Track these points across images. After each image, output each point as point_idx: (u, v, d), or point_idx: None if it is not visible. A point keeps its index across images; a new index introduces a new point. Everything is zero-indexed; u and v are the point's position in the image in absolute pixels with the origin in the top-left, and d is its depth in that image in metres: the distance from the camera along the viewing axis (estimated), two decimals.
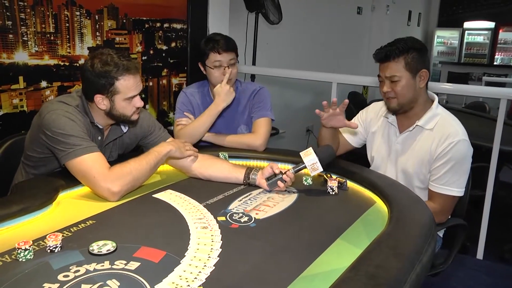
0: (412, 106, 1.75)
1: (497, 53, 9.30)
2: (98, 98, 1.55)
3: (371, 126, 1.94)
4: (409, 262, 1.09)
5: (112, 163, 1.72)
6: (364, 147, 2.03)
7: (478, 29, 9.44)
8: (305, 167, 1.58)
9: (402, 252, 1.13)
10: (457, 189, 1.71)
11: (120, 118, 1.60)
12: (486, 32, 9.35)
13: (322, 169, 1.58)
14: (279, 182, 1.59)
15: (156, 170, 1.61)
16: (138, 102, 1.59)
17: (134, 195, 1.52)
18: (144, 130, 1.77)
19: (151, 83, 2.88)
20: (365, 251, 1.13)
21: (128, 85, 1.54)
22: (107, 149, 1.73)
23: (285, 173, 1.59)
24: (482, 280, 2.50)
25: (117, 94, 1.54)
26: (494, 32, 9.22)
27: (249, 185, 1.66)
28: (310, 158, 1.56)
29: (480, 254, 2.66)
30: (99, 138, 1.67)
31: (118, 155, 1.80)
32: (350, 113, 3.94)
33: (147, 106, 2.84)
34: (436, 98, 1.79)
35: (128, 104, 1.57)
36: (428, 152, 1.73)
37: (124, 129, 1.73)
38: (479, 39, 9.45)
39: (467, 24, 9.49)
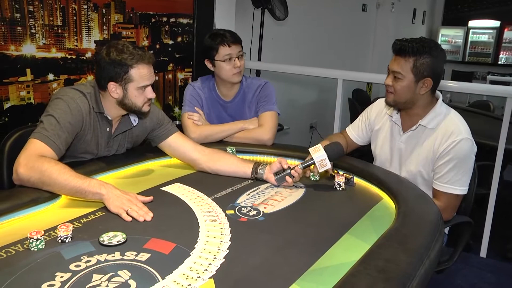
0: (409, 106, 1.75)
1: (501, 52, 9.25)
2: (112, 86, 1.56)
3: (375, 124, 1.95)
4: (418, 257, 1.10)
5: (118, 156, 1.75)
6: (367, 144, 2.04)
7: (483, 28, 9.39)
8: (313, 163, 1.58)
9: (410, 247, 1.14)
10: (460, 188, 1.71)
11: (131, 107, 1.61)
12: (491, 31, 9.30)
13: (330, 166, 1.58)
14: (287, 177, 1.59)
15: (75, 195, 1.38)
16: (150, 93, 1.60)
17: (142, 187, 1.53)
18: (153, 123, 1.78)
19: (156, 78, 2.88)
20: (374, 246, 1.14)
21: (142, 74, 1.56)
22: (116, 141, 1.74)
23: (293, 168, 1.60)
24: (487, 278, 2.51)
25: (131, 82, 1.55)
26: (499, 31, 9.18)
27: (256, 180, 1.67)
28: (319, 154, 1.57)
29: (483, 252, 2.67)
30: (107, 129, 1.68)
31: (127, 150, 1.81)
32: (355, 110, 3.96)
33: (152, 100, 2.85)
34: (441, 97, 1.79)
35: (141, 94, 1.58)
36: (431, 151, 1.73)
37: (134, 122, 1.73)
38: (484, 38, 9.41)
39: (472, 23, 9.45)
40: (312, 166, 1.67)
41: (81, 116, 1.56)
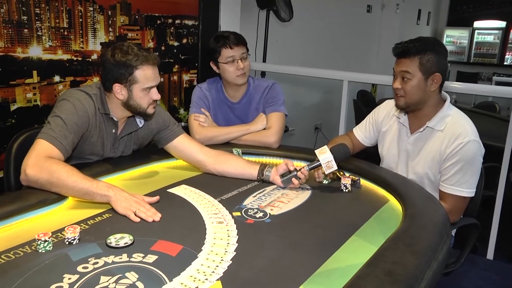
0: (420, 107, 1.74)
1: (507, 53, 9.21)
2: (117, 87, 1.56)
3: (383, 125, 1.94)
4: (425, 259, 1.09)
5: (124, 158, 1.76)
6: (373, 146, 2.03)
7: (488, 29, 9.35)
8: (320, 165, 1.58)
9: (418, 249, 1.13)
10: (467, 190, 1.69)
11: (136, 109, 1.61)
12: (496, 31, 9.26)
13: (336, 168, 1.58)
14: (293, 179, 1.59)
15: (83, 197, 1.38)
16: (155, 94, 1.60)
17: (148, 189, 1.53)
18: (159, 124, 1.78)
19: (162, 79, 2.89)
20: (381, 248, 1.13)
21: (147, 75, 1.56)
22: (122, 142, 1.74)
23: (299, 170, 1.60)
24: (493, 281, 2.50)
25: (135, 83, 1.55)
26: (505, 32, 9.14)
27: (262, 182, 1.67)
28: (325, 156, 1.56)
29: (490, 254, 2.65)
30: (113, 131, 1.68)
31: (133, 151, 1.81)
32: (360, 112, 3.95)
33: (158, 102, 2.85)
34: (448, 98, 1.78)
35: (146, 95, 1.58)
36: (438, 152, 1.72)
37: (140, 123, 1.73)
38: (489, 38, 9.37)
39: (477, 24, 9.41)
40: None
41: (87, 117, 1.56)
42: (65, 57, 2.31)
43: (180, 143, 1.80)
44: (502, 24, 9.17)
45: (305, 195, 1.57)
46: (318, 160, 1.58)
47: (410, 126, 1.82)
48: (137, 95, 1.58)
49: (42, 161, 1.38)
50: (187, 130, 1.99)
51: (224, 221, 1.31)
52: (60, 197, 1.38)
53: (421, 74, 1.66)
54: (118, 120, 1.67)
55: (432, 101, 1.74)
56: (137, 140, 1.79)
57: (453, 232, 1.85)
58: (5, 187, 1.73)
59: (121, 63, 1.53)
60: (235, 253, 1.13)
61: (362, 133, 2.01)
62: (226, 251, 1.14)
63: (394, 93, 1.76)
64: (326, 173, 1.62)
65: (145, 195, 1.46)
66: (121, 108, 1.63)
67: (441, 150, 1.71)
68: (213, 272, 1.04)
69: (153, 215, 1.31)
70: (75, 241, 1.15)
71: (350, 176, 1.68)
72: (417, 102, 1.72)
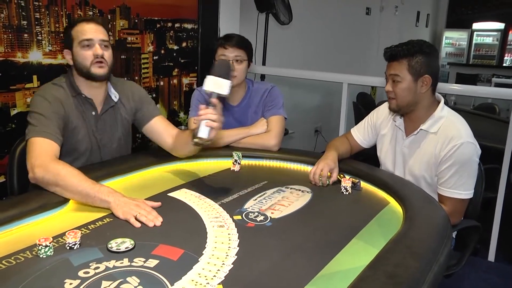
0: (413, 109, 1.75)
1: (506, 55, 9.24)
2: (65, 53, 1.65)
3: (381, 128, 1.95)
4: (427, 261, 1.09)
5: (124, 161, 1.75)
6: (372, 148, 2.04)
7: (487, 30, 9.39)
8: (214, 92, 1.43)
9: (419, 251, 1.13)
10: (465, 192, 1.69)
11: (83, 70, 1.63)
12: (495, 33, 9.29)
13: (228, 81, 1.42)
14: (207, 121, 1.45)
15: (84, 200, 1.38)
16: (96, 49, 1.61)
17: (149, 193, 1.53)
18: (136, 102, 1.82)
19: (162, 83, 2.89)
20: (382, 251, 1.13)
21: (81, 30, 1.61)
22: (104, 122, 1.76)
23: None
24: (494, 282, 2.49)
25: (74, 41, 1.61)
26: (504, 33, 9.16)
27: (202, 145, 1.55)
28: (207, 82, 1.42)
29: (491, 256, 2.65)
30: (93, 113, 1.71)
31: (132, 154, 1.81)
32: (359, 114, 3.95)
33: (158, 105, 2.86)
34: (442, 100, 1.78)
35: (86, 51, 1.61)
36: (433, 155, 1.73)
37: (115, 98, 1.76)
38: (488, 40, 9.40)
39: (476, 25, 9.44)
40: (322, 172, 1.68)
41: (59, 101, 1.61)
42: (65, 61, 2.31)
43: (156, 124, 1.81)
44: (500, 25, 9.20)
45: (305, 198, 1.57)
46: (210, 92, 1.44)
47: (406, 129, 1.83)
48: (77, 53, 1.62)
49: (48, 162, 1.43)
50: None
51: (225, 224, 1.31)
52: (61, 202, 1.38)
53: (411, 77, 1.68)
54: (92, 98, 1.69)
55: (425, 103, 1.74)
56: (121, 121, 1.80)
57: (454, 234, 1.85)
58: (8, 191, 1.74)
59: (65, 30, 1.66)
60: (236, 256, 1.13)
61: (361, 135, 2.01)
62: (227, 255, 1.14)
63: (387, 96, 1.78)
64: (225, 94, 1.44)
65: (146, 199, 1.45)
66: (83, 80, 1.66)
67: (436, 153, 1.72)
68: (215, 276, 1.04)
69: (154, 219, 1.30)
70: (76, 246, 1.15)
71: (350, 178, 1.68)
72: (408, 104, 1.73)
